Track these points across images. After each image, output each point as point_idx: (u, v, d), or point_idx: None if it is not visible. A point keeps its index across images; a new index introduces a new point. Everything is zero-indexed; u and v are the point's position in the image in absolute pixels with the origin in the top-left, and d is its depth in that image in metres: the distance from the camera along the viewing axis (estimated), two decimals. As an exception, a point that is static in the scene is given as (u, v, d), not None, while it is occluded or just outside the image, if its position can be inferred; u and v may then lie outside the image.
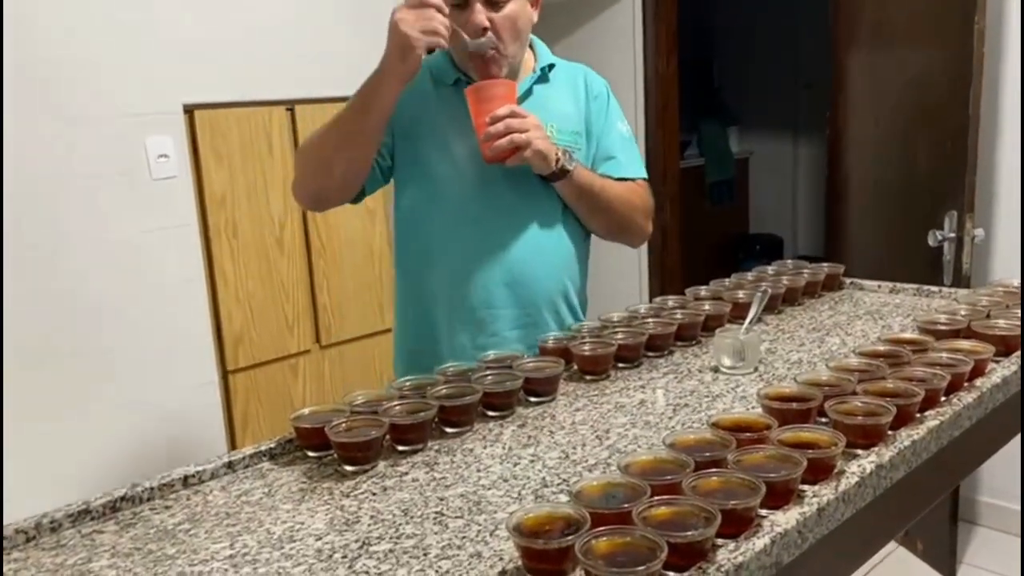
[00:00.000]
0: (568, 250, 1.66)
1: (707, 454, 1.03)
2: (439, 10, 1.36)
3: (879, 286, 1.97)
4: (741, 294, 1.77)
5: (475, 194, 1.57)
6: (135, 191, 2.32)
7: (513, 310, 1.59)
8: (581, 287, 1.73)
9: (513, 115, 1.46)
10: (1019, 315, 1.52)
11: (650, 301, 1.88)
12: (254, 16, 2.52)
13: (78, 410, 2.22)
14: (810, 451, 1.02)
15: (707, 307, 1.71)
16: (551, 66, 1.66)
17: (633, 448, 1.18)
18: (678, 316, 1.66)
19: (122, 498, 1.09)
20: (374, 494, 1.09)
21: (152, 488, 1.12)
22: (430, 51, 1.40)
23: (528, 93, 1.62)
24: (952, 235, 2.39)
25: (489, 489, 1.08)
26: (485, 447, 1.22)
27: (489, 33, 1.48)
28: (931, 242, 2.40)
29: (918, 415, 1.19)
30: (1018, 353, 1.41)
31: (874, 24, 2.76)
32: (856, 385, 1.22)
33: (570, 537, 0.85)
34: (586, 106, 1.66)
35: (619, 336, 1.54)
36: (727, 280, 1.93)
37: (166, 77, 2.36)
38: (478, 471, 1.14)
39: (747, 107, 6.21)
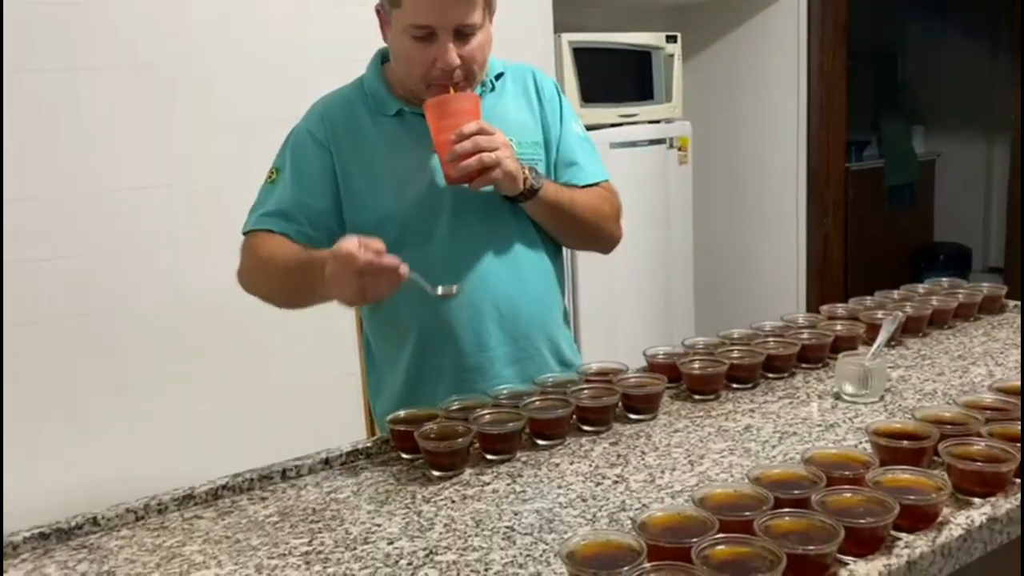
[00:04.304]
0: (548, 269, 1.53)
1: (795, 492, 0.97)
2: (385, 270, 1.18)
3: (1048, 311, 1.77)
4: (880, 315, 1.65)
5: (440, 224, 1.42)
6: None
7: (506, 347, 1.46)
8: (564, 304, 1.60)
9: (481, 132, 1.31)
10: None
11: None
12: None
13: (230, 391, 2.39)
14: (911, 496, 0.94)
15: (839, 327, 1.61)
16: (499, 75, 1.51)
17: (726, 477, 1.13)
18: (804, 336, 1.57)
19: (224, 486, 1.17)
20: (453, 502, 1.11)
21: (252, 479, 1.19)
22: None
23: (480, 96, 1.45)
24: None
25: (565, 507, 1.07)
26: (572, 463, 1.20)
27: (459, 71, 1.34)
28: (1125, 262, 2.12)
29: (1055, 464, 1.05)
30: None
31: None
32: (983, 425, 1.10)
33: (624, 569, 0.82)
34: (540, 111, 1.52)
35: (734, 355, 1.48)
36: (869, 298, 1.80)
37: (309, 81, 2.48)
38: (559, 487, 1.13)
39: (936, 105, 5.74)
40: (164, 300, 2.29)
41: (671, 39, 3.17)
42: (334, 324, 2.55)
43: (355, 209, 1.44)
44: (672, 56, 3.17)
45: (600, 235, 1.56)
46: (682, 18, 3.53)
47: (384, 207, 1.42)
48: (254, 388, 2.44)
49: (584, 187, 1.52)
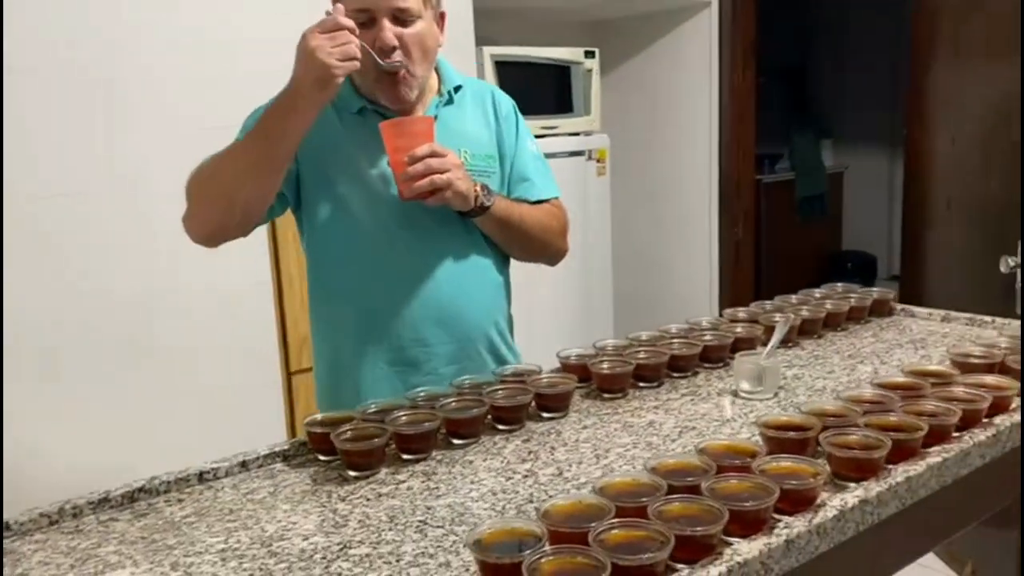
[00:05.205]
0: (494, 278, 1.62)
1: (688, 479, 1.04)
2: (352, 31, 1.31)
3: (930, 314, 1.91)
4: (778, 317, 1.75)
5: (395, 228, 1.50)
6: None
7: (447, 347, 1.54)
8: (508, 311, 1.69)
9: (433, 154, 1.39)
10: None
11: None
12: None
13: (146, 402, 2.37)
14: (792, 481, 1.02)
15: (739, 329, 1.70)
16: (458, 87, 1.59)
17: (628, 468, 1.20)
18: (706, 338, 1.65)
19: (140, 489, 1.18)
20: (368, 500, 1.15)
21: (169, 482, 1.20)
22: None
23: (435, 117, 1.52)
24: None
25: (476, 501, 1.12)
26: (485, 460, 1.25)
27: (398, 52, 1.43)
28: (1003, 268, 2.29)
29: (923, 450, 1.15)
30: (1054, 390, 1.35)
31: (954, 39, 2.65)
32: (861, 417, 1.20)
33: (524, 553, 0.88)
34: (496, 127, 1.61)
35: (641, 355, 1.55)
36: (768, 302, 1.90)
37: (238, 90, 2.49)
38: (471, 483, 1.18)
39: (843, 119, 6.02)
40: (82, 303, 2.26)
41: (589, 54, 3.27)
42: (257, 329, 2.57)
43: (314, 194, 1.51)
44: (590, 71, 3.27)
45: (547, 250, 1.66)
46: (599, 34, 3.63)
47: (340, 198, 1.50)
48: (175, 393, 2.42)
49: (535, 203, 1.61)
